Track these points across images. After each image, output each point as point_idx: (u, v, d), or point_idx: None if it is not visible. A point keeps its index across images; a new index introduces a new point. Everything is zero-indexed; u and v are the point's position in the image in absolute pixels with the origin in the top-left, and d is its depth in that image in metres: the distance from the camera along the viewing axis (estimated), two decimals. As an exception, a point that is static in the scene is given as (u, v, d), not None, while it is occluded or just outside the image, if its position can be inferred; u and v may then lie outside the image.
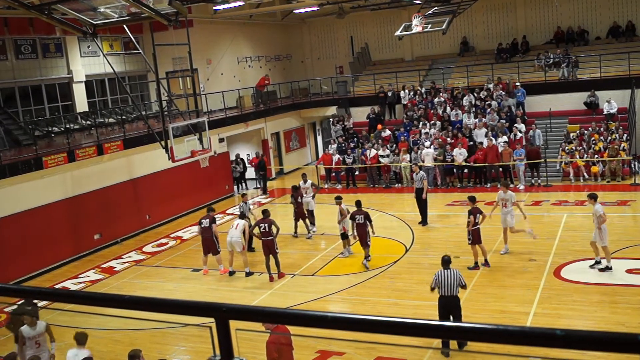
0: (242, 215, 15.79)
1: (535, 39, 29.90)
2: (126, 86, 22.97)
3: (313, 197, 18.37)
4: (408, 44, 32.55)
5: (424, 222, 18.10)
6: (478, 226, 13.88)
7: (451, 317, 10.22)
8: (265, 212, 14.91)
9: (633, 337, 1.42)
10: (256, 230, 14.63)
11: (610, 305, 11.49)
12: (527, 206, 19.07)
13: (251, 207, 17.45)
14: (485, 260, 14.00)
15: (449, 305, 10.18)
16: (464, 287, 10.31)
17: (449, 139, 23.23)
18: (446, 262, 10.45)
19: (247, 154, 26.62)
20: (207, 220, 15.37)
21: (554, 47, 28.11)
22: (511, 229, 14.66)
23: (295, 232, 18.18)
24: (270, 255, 14.52)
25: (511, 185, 21.43)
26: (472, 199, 14.44)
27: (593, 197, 13.25)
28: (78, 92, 23.59)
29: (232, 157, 26.13)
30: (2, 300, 12.79)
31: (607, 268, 13.11)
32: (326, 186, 24.73)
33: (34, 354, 9.26)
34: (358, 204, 15.31)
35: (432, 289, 10.32)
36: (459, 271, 10.41)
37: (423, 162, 22.55)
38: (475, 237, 13.86)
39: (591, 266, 13.36)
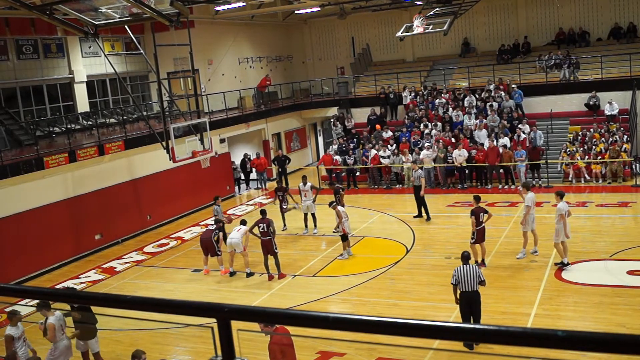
0: (243, 222, 15.71)
1: (537, 40, 29.90)
2: (127, 86, 22.97)
3: (314, 200, 18.38)
4: (409, 45, 32.55)
5: (421, 215, 18.66)
6: (483, 225, 13.92)
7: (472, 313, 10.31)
8: (263, 212, 15.03)
9: (634, 338, 1.43)
10: (255, 230, 14.69)
11: (611, 306, 11.48)
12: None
13: (222, 211, 17.57)
14: (483, 260, 14.01)
15: (470, 301, 10.23)
16: (482, 283, 10.27)
17: (453, 140, 23.22)
18: (465, 257, 10.55)
19: (248, 155, 26.66)
20: (214, 226, 15.49)
21: (555, 48, 28.12)
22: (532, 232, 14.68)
23: (285, 226, 18.82)
24: (270, 256, 14.57)
25: (512, 187, 21.51)
26: (477, 199, 14.42)
27: (560, 195, 13.48)
28: (79, 93, 23.60)
29: (238, 157, 26.21)
30: (2, 300, 12.80)
31: (563, 264, 13.46)
32: (327, 187, 24.70)
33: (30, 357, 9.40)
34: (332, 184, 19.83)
35: (453, 285, 10.32)
36: (478, 267, 10.45)
37: (422, 163, 22.63)
38: (479, 237, 13.90)
39: (557, 264, 13.54)
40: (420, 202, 18.67)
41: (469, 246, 13.99)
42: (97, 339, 10.21)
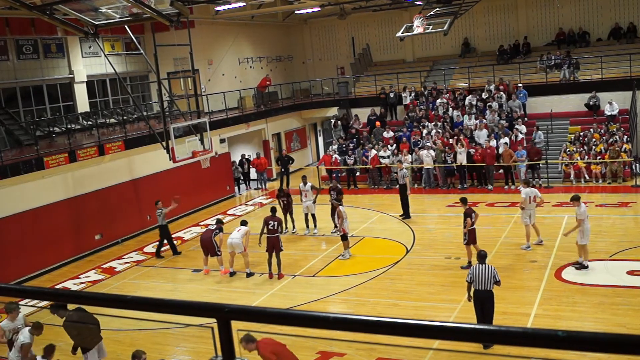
0: (243, 222, 15.70)
1: (537, 40, 29.89)
2: (127, 86, 22.98)
3: (314, 201, 18.36)
4: (409, 45, 32.54)
5: (405, 215, 18.81)
6: (473, 226, 13.91)
7: (483, 311, 10.33)
8: (274, 210, 15.32)
9: (634, 338, 1.43)
10: (264, 229, 14.93)
11: (611, 306, 11.48)
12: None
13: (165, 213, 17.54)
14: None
15: (482, 300, 10.26)
16: (497, 283, 10.28)
17: (451, 140, 23.21)
18: (482, 257, 10.56)
19: (249, 155, 26.65)
20: (214, 226, 15.54)
21: (555, 49, 28.12)
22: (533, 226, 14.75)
23: (286, 227, 18.55)
24: (274, 253, 14.68)
25: (512, 187, 21.51)
26: (464, 201, 14.52)
27: (577, 199, 13.44)
28: (79, 93, 23.58)
29: (238, 157, 26.23)
30: (2, 301, 12.80)
31: (583, 266, 13.38)
32: (326, 187, 24.70)
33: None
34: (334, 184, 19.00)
35: (468, 282, 10.36)
36: (494, 267, 10.46)
37: (422, 162, 22.67)
38: (470, 238, 13.90)
39: (577, 268, 13.44)
40: (404, 201, 18.82)
41: (464, 247, 14.06)
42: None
